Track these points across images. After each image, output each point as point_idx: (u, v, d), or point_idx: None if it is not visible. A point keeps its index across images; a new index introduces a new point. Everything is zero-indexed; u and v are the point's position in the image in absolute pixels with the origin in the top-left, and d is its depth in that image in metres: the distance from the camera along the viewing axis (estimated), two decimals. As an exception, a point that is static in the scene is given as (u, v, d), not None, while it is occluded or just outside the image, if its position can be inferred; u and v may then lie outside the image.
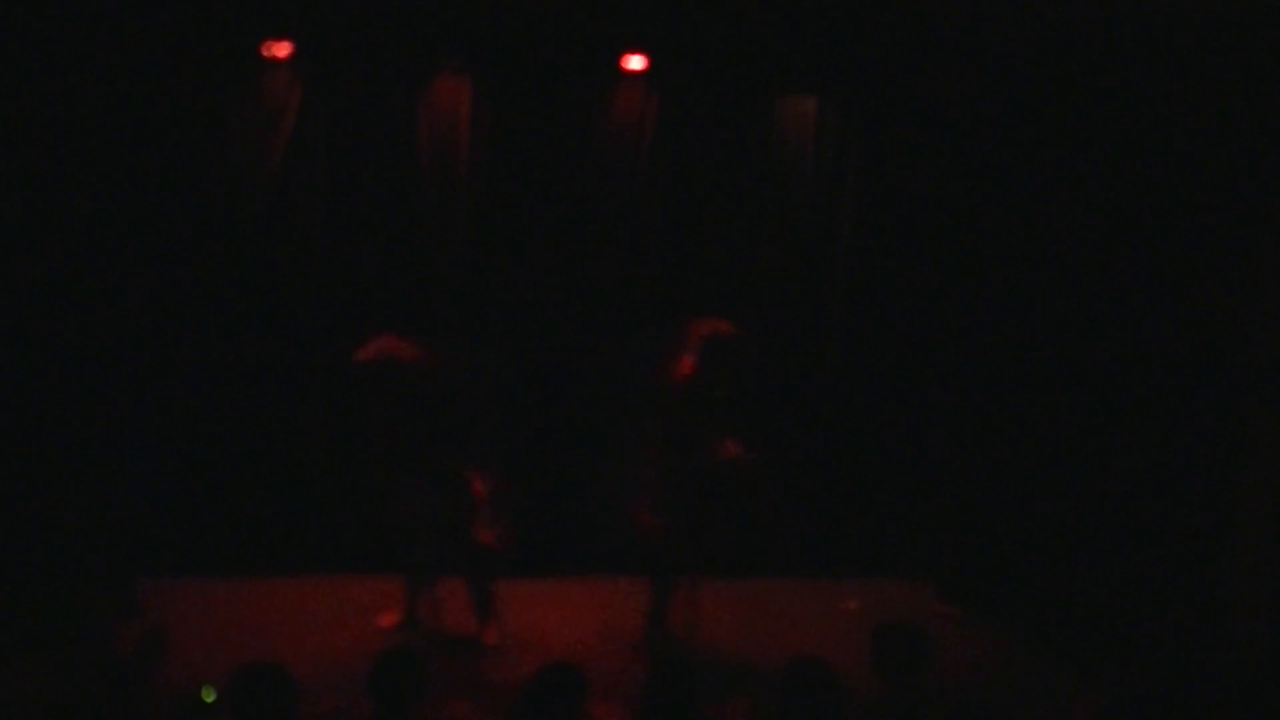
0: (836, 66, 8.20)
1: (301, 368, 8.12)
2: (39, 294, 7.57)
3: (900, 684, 4.64)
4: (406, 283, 8.21)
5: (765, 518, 7.55)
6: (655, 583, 7.20)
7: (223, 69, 7.90)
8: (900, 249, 8.40)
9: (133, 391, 7.89)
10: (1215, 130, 6.84)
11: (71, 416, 7.65)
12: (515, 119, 8.18)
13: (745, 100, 8.32)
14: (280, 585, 7.75)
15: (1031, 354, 7.90)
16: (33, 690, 5.61)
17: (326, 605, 7.49)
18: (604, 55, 8.18)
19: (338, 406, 7.98)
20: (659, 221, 8.37)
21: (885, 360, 8.46)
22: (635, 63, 8.19)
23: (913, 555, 8.30)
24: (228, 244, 8.01)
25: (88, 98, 7.61)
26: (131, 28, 7.56)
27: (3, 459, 7.26)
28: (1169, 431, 7.02)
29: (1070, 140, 7.65)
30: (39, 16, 7.35)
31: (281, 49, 7.90)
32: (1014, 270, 8.01)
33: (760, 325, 8.39)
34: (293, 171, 8.08)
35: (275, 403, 8.12)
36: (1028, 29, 7.47)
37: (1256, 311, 6.53)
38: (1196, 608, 6.72)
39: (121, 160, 7.75)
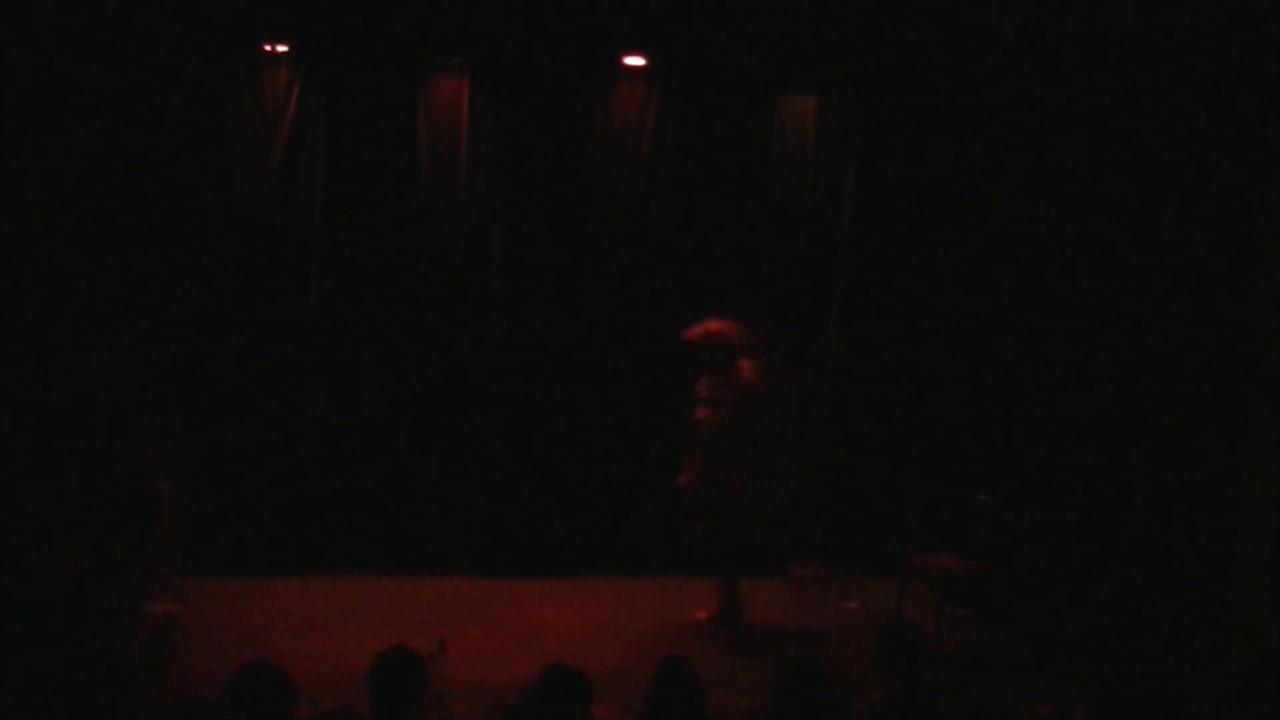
0: (836, 66, 8.20)
1: (300, 365, 8.13)
2: (39, 291, 7.57)
3: (900, 684, 4.63)
4: (406, 280, 8.22)
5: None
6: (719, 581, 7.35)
7: (223, 68, 7.91)
8: (900, 248, 8.39)
9: (131, 390, 7.89)
10: (1216, 130, 6.83)
11: (72, 416, 7.65)
12: (515, 118, 8.19)
13: (745, 100, 8.32)
14: (280, 585, 7.75)
15: (1031, 354, 7.89)
16: (38, 690, 5.61)
17: (326, 605, 7.49)
18: (604, 55, 8.18)
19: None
20: (659, 221, 8.37)
21: (885, 359, 8.45)
22: (635, 61, 8.20)
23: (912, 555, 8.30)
24: (227, 242, 8.02)
25: (88, 96, 7.62)
26: (132, 27, 7.57)
27: (4, 459, 7.25)
28: (1170, 431, 7.02)
29: (1071, 140, 7.65)
30: (39, 16, 7.35)
31: (281, 45, 7.93)
32: (1014, 270, 8.00)
33: (759, 324, 8.41)
34: (293, 170, 8.08)
35: (275, 401, 8.12)
36: (1027, 28, 7.47)
37: (1257, 311, 6.52)
38: (1197, 607, 6.72)
39: (122, 159, 7.76)
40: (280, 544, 8.02)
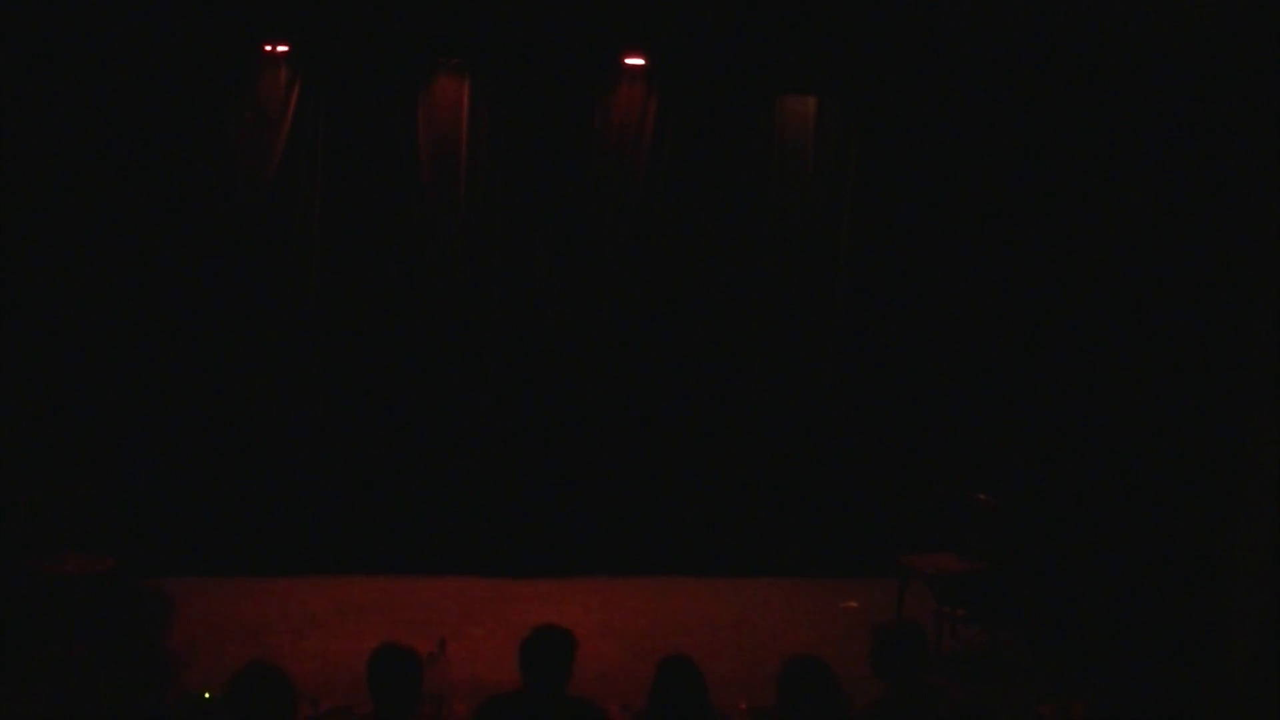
0: (836, 66, 8.19)
1: (301, 366, 8.13)
2: (40, 293, 7.57)
3: (900, 684, 4.64)
4: (405, 281, 8.22)
5: None
6: None
7: (222, 68, 7.91)
8: (900, 248, 8.38)
9: (131, 391, 7.90)
10: (1215, 130, 6.83)
11: (72, 417, 7.66)
12: (515, 117, 8.18)
13: (745, 100, 8.31)
14: (280, 585, 7.75)
15: (1031, 354, 7.89)
16: (36, 689, 5.62)
17: (326, 605, 7.50)
18: (604, 54, 8.18)
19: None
20: (659, 221, 8.37)
21: (885, 359, 8.45)
22: (635, 61, 8.20)
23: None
24: (227, 242, 8.02)
25: (88, 96, 7.62)
26: (132, 27, 7.57)
27: (4, 458, 7.26)
28: (1170, 431, 7.02)
29: (1070, 139, 7.65)
30: (37, 16, 7.35)
31: (281, 45, 7.93)
32: (1014, 270, 8.00)
33: (759, 324, 8.42)
34: (293, 170, 8.08)
35: (275, 402, 8.12)
36: (1027, 28, 7.47)
37: (1257, 311, 6.53)
38: (1196, 607, 6.72)
39: (121, 159, 7.76)
40: (280, 544, 8.02)
